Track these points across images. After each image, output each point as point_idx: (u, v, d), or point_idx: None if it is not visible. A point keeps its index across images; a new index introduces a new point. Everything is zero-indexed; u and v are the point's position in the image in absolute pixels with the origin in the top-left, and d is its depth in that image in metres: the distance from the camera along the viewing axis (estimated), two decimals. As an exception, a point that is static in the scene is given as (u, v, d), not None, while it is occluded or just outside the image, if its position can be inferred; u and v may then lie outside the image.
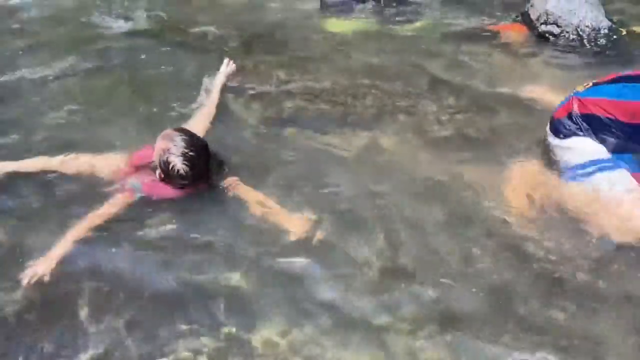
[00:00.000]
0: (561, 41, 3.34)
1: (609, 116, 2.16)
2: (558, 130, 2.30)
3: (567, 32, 3.31)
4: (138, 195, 2.27)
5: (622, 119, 2.15)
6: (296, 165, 2.55)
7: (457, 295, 1.91)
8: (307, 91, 3.11)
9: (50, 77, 3.25)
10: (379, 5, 4.21)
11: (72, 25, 3.98)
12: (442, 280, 1.96)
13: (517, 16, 3.72)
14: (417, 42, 3.71)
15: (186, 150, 2.16)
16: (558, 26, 3.34)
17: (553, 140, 2.34)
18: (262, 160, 2.56)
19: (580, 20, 3.31)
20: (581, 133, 2.22)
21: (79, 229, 2.13)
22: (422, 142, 2.67)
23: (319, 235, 2.12)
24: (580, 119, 2.23)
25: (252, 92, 3.13)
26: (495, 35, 3.60)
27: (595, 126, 2.20)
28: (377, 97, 3.05)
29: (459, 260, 2.04)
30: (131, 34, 3.86)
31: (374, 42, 3.73)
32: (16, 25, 3.97)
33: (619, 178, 2.13)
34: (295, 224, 2.16)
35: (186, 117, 2.79)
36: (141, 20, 4.13)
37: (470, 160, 2.51)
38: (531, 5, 3.57)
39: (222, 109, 2.94)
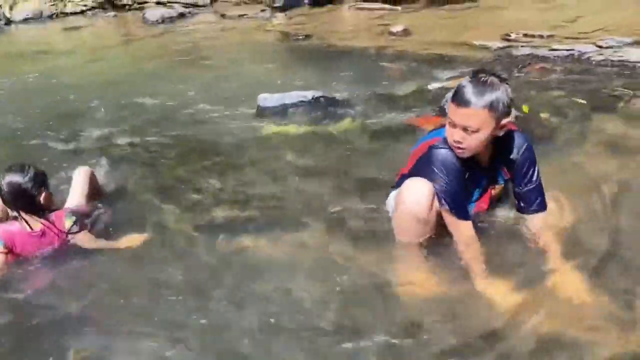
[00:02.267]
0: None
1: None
2: None
3: (477, 124, 3.57)
4: None
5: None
6: (225, 273, 2.59)
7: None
8: (238, 198, 3.24)
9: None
10: (311, 107, 4.50)
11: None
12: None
13: (434, 110, 4.02)
14: (346, 141, 3.93)
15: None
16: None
17: None
18: (195, 271, 2.61)
19: (488, 112, 3.58)
20: None
21: None
22: (352, 242, 2.72)
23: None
24: None
25: (185, 202, 3.26)
26: (414, 129, 3.86)
27: None
28: (306, 198, 3.16)
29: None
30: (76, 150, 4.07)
31: (306, 144, 3.95)
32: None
33: None
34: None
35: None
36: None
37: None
38: (446, 100, 3.86)
39: (154, 219, 3.05)
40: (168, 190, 3.43)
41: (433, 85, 4.63)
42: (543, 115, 3.77)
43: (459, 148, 2.21)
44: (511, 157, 2.34)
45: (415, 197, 2.30)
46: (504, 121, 2.17)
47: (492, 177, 2.40)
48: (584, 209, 2.63)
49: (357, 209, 2.99)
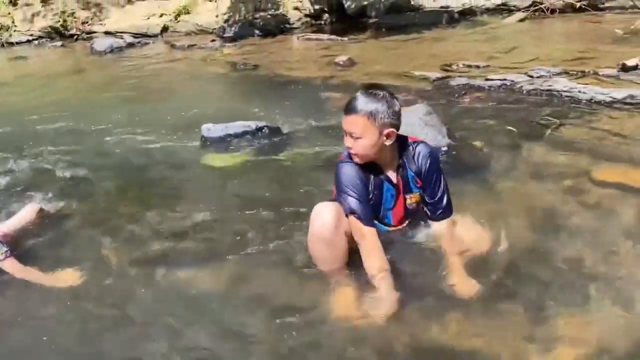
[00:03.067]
0: (408, 160, 3.72)
1: None
2: None
3: (412, 152, 3.70)
4: None
5: None
6: (159, 307, 2.58)
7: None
8: (176, 230, 3.23)
9: None
10: (255, 138, 4.56)
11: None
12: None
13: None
14: (289, 171, 3.98)
15: None
16: (404, 148, 3.73)
17: None
18: (129, 305, 2.59)
19: (422, 141, 3.72)
20: None
21: None
22: (291, 271, 2.73)
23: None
24: None
25: (123, 235, 3.23)
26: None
27: None
28: (246, 229, 3.15)
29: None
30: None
31: (249, 174, 3.99)
32: None
33: None
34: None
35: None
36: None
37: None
38: (384, 130, 3.98)
39: (91, 253, 3.04)
40: (106, 222, 3.40)
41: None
42: (475, 143, 3.94)
43: (354, 154, 2.40)
44: (419, 166, 2.50)
45: (320, 221, 2.44)
46: (387, 131, 2.33)
47: (404, 186, 2.52)
48: (505, 231, 2.75)
49: (299, 240, 2.98)
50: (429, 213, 2.59)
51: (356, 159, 2.42)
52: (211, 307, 2.54)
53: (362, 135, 2.33)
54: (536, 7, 9.49)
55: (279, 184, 3.77)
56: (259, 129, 4.58)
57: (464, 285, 2.40)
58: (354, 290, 2.45)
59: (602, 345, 2.06)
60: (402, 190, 2.52)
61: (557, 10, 9.32)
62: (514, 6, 9.85)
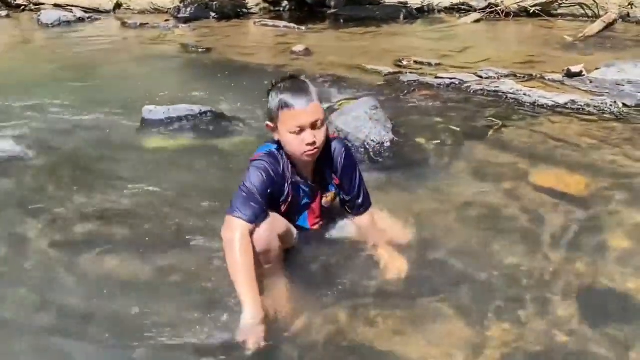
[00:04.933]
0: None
1: None
2: None
3: (356, 146, 3.66)
4: None
5: None
6: (77, 293, 2.47)
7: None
8: (104, 214, 3.11)
9: None
10: (198, 122, 4.42)
11: None
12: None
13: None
14: (228, 158, 3.86)
15: None
16: (348, 140, 3.68)
17: None
18: (46, 290, 2.47)
19: (367, 136, 3.69)
20: None
21: None
22: (221, 268, 2.52)
23: None
24: None
25: (46, 215, 3.09)
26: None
27: None
28: (179, 217, 3.06)
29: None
30: None
31: (188, 159, 3.86)
32: None
33: None
34: None
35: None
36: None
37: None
38: (329, 122, 3.92)
39: (12, 233, 2.91)
40: (31, 202, 3.24)
41: (322, 106, 4.67)
42: (419, 140, 3.93)
43: (312, 150, 2.21)
44: (335, 163, 2.41)
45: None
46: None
47: (320, 185, 2.44)
48: (440, 229, 2.78)
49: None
50: (348, 209, 2.53)
51: (311, 157, 2.24)
52: (132, 298, 2.42)
53: (323, 120, 2.22)
54: (492, 10, 9.61)
55: (217, 170, 3.67)
56: (203, 114, 4.44)
57: (395, 261, 2.40)
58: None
59: (527, 350, 2.06)
60: (319, 190, 2.45)
61: (512, 14, 9.46)
62: (470, 7, 9.94)
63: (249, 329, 2.04)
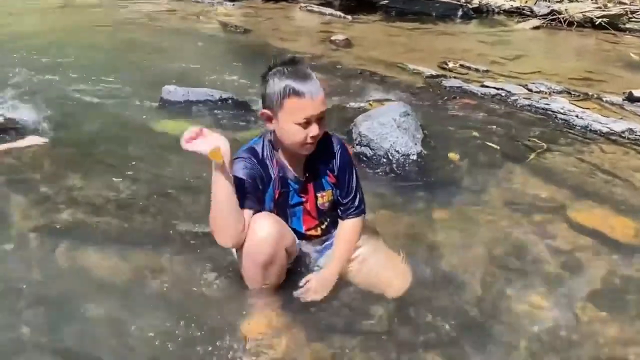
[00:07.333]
0: (373, 163, 3.34)
1: None
2: None
3: (378, 155, 3.33)
4: None
5: None
6: (52, 285, 2.27)
7: None
8: (94, 201, 2.89)
9: None
10: (217, 108, 4.16)
11: None
12: None
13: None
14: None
15: None
16: (371, 149, 3.35)
17: None
18: (18, 275, 2.30)
19: (391, 145, 3.34)
20: None
21: None
22: (211, 272, 2.36)
23: None
24: None
25: (35, 196, 2.89)
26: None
27: None
28: (175, 211, 2.83)
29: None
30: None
31: (198, 148, 3.61)
32: None
33: None
34: None
35: None
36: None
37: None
38: (354, 125, 3.60)
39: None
40: (22, 180, 3.05)
41: (351, 105, 4.36)
42: (451, 155, 3.56)
43: (314, 141, 2.00)
44: (333, 159, 2.16)
45: (262, 233, 1.99)
46: None
47: (315, 183, 2.16)
48: (456, 266, 2.46)
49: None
50: (340, 212, 2.25)
51: (309, 150, 2.04)
52: (108, 296, 2.22)
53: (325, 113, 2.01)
54: (554, 17, 9.01)
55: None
56: (223, 100, 4.19)
57: (320, 281, 2.16)
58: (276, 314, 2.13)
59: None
60: (313, 188, 2.16)
61: (575, 24, 8.83)
62: (532, 11, 9.35)
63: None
